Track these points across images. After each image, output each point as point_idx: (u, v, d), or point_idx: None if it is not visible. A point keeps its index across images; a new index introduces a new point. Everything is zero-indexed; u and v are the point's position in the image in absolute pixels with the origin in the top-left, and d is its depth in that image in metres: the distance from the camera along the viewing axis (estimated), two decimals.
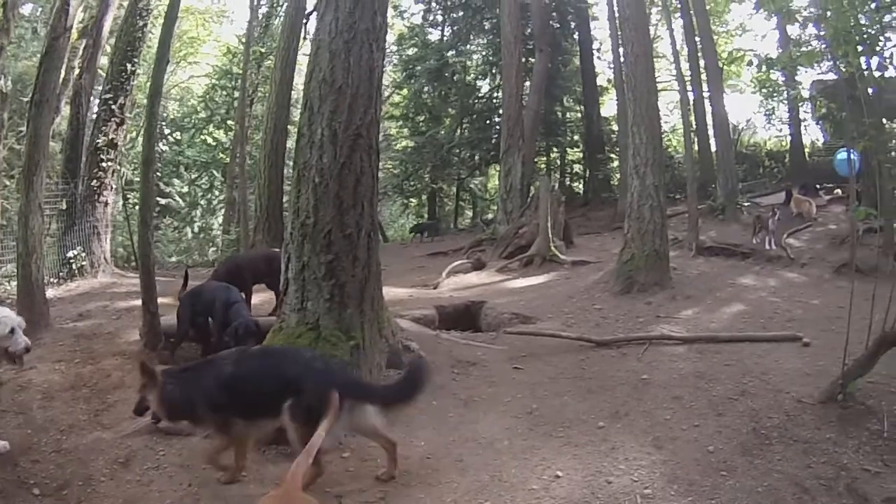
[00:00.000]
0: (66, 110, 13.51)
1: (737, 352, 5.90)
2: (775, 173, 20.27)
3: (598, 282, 8.84)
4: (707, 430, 4.49)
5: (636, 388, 5.23)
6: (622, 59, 12.26)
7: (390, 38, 23.15)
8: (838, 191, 15.44)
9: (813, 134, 22.69)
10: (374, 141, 5.73)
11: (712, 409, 4.78)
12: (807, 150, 20.94)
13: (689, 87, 14.90)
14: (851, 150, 8.48)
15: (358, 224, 5.48)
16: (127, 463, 4.36)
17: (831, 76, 10.07)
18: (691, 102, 15.81)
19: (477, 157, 22.30)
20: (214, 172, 21.61)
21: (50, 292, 8.96)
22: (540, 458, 4.23)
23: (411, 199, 24.01)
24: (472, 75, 22.97)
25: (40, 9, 18.18)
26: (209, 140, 21.65)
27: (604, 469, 4.05)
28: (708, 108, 17.30)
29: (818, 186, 16.16)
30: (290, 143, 16.81)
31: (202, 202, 21.15)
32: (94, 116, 13.06)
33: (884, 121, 8.92)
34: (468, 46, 22.77)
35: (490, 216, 20.02)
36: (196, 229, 20.61)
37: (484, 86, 23.19)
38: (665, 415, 4.75)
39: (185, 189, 20.80)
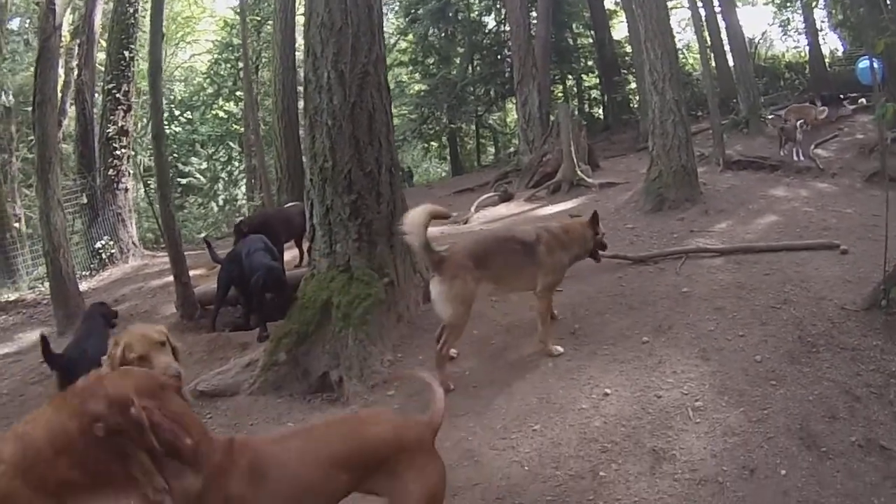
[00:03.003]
0: (71, 110, 13.56)
1: (775, 261, 5.77)
2: (796, 85, 19.63)
3: (628, 202, 8.70)
4: (752, 339, 4.40)
5: (677, 302, 5.14)
6: None
7: None
8: (863, 100, 14.91)
9: (831, 43, 22.22)
10: (383, 77, 5.68)
11: (756, 319, 4.68)
12: (826, 60, 20.22)
13: (699, 3, 14.45)
14: (872, 58, 8.22)
15: (377, 161, 5.46)
16: None
17: None
18: (703, 18, 15.35)
19: (492, 92, 21.84)
20: (231, 144, 21.63)
21: (84, 285, 9.13)
22: (587, 377, 4.19)
23: (431, 143, 23.64)
24: (475, 11, 22.45)
25: (28, 20, 18.27)
26: (220, 114, 21.62)
27: (652, 384, 4.00)
28: (721, 24, 16.82)
29: (842, 97, 15.61)
30: (301, 104, 16.97)
31: (223, 175, 21.24)
32: (101, 109, 13.15)
33: None
34: None
35: (512, 149, 19.75)
36: (221, 202, 20.76)
37: (489, 21, 22.60)
38: (709, 326, 4.66)
39: (204, 165, 20.89)
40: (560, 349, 4.62)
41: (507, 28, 18.87)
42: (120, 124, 12.69)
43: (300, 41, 14.82)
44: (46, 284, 10.85)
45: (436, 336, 4.56)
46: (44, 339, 4.91)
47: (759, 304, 4.93)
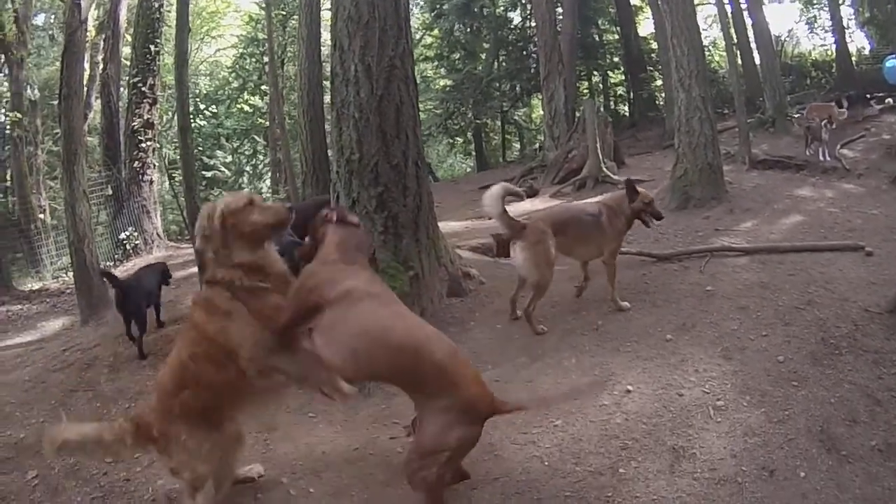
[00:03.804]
0: (96, 104, 13.77)
1: (800, 262, 5.74)
2: (823, 84, 19.38)
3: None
4: (775, 339, 4.38)
5: (701, 300, 5.13)
6: None
7: None
8: (889, 100, 14.75)
9: (858, 41, 21.86)
10: (410, 71, 5.70)
11: (779, 319, 4.66)
12: (853, 58, 19.92)
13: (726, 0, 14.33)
14: None
15: (404, 154, 5.49)
16: None
17: None
18: (730, 15, 15.21)
19: (518, 88, 21.89)
20: (256, 138, 21.82)
21: None
22: (609, 373, 4.20)
23: (457, 138, 23.72)
24: (501, 7, 22.40)
25: (53, 16, 18.53)
26: (245, 108, 21.76)
27: (674, 382, 4.00)
28: (748, 21, 16.65)
29: (868, 96, 15.38)
30: (326, 98, 17.03)
31: (248, 168, 21.43)
32: (126, 103, 13.38)
33: None
34: None
35: (537, 146, 19.70)
36: None
37: (515, 17, 22.57)
38: (732, 325, 4.65)
39: (229, 158, 21.11)
40: (628, 304, 5.14)
41: (533, 24, 18.83)
42: (145, 117, 12.92)
43: (325, 36, 14.93)
44: (70, 274, 11.08)
45: (510, 298, 5.31)
46: (107, 272, 6.57)
47: (783, 304, 4.91)
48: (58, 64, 16.05)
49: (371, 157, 5.37)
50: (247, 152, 21.95)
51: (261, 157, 21.86)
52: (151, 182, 12.95)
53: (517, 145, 24.28)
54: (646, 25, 21.92)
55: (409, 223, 5.49)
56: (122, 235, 12.31)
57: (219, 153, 20.73)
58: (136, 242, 12.28)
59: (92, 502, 3.88)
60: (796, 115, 14.31)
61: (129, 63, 13.75)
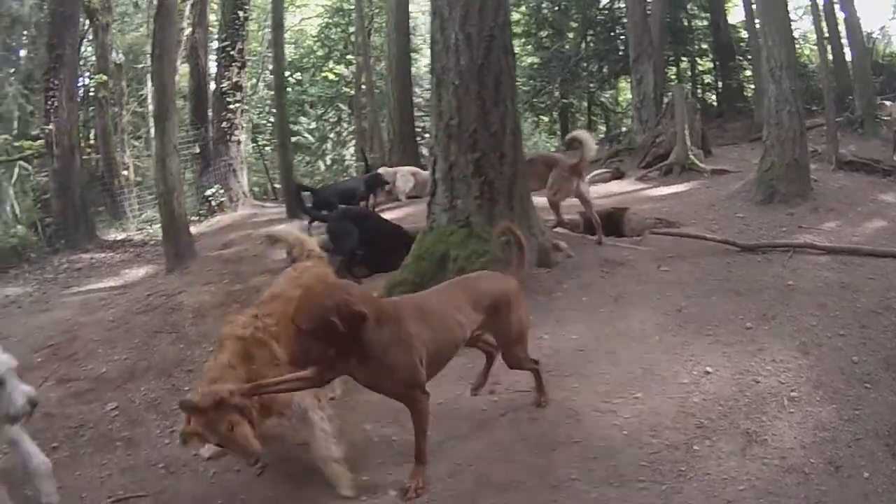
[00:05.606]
0: (181, 68, 14.29)
1: (880, 266, 5.67)
2: None
3: (739, 191, 8.55)
4: (851, 340, 4.42)
5: (782, 293, 5.16)
6: None
7: None
8: None
9: None
10: (509, 42, 5.82)
11: (857, 321, 4.67)
12: None
13: None
14: None
15: (502, 122, 5.58)
16: None
17: None
18: (821, 6, 14.66)
19: (605, 70, 21.37)
20: (341, 106, 22.00)
21: (192, 229, 9.51)
22: (690, 353, 4.31)
23: (542, 116, 23.41)
24: None
25: None
26: (331, 76, 21.97)
27: (751, 368, 4.09)
28: (840, 15, 16.01)
29: None
30: (414, 70, 17.32)
31: (331, 135, 21.66)
32: (216, 66, 13.93)
33: None
34: None
35: (624, 129, 19.26)
36: (328, 161, 21.25)
37: None
38: (810, 321, 4.68)
39: (313, 125, 21.29)
40: None
41: (622, 4, 18.49)
42: (234, 80, 13.38)
43: (412, 7, 15.15)
44: (154, 227, 11.64)
45: None
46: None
47: (861, 306, 4.91)
48: (142, 30, 17.01)
49: (470, 123, 5.50)
50: (331, 119, 22.13)
51: (345, 125, 22.04)
52: (239, 142, 13.42)
53: (602, 127, 23.74)
54: (735, 13, 21.25)
55: (505, 190, 5.59)
56: (208, 192, 12.78)
57: (303, 119, 20.91)
58: (222, 199, 12.73)
59: (171, 436, 4.12)
60: (885, 118, 13.81)
61: (215, 28, 14.34)
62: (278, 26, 7.72)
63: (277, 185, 16.74)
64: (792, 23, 10.34)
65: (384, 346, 3.02)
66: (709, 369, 4.09)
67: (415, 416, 3.21)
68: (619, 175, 11.53)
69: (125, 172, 14.47)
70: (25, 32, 14.46)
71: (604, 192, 10.12)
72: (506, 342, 3.64)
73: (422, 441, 3.25)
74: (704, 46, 21.31)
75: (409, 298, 3.60)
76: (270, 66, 20.55)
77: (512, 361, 3.69)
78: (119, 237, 12.37)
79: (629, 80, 16.80)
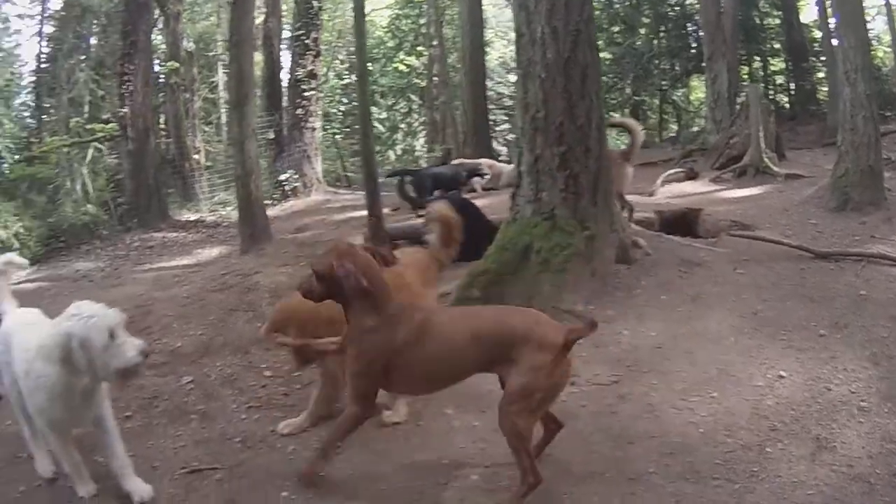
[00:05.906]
0: (256, 56, 14.75)
1: None
2: None
3: (813, 196, 8.40)
4: None
5: (854, 302, 5.12)
6: None
7: None
8: None
9: None
10: (593, 37, 5.82)
11: None
12: None
13: None
14: None
15: (588, 116, 5.56)
16: None
17: None
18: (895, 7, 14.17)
19: (677, 67, 21.13)
20: (412, 97, 22.31)
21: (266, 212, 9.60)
22: (764, 357, 4.33)
23: (613, 113, 23.00)
24: None
25: None
26: (401, 67, 22.23)
27: (823, 376, 4.11)
28: None
29: None
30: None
31: (402, 126, 22.01)
32: (291, 54, 14.35)
33: None
34: None
35: (696, 128, 18.98)
36: (399, 151, 21.63)
37: None
38: (882, 332, 4.65)
39: (384, 115, 21.62)
40: None
41: (694, 1, 18.24)
42: (309, 68, 13.75)
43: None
44: (227, 209, 12.08)
45: None
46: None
47: None
48: (212, 19, 17.57)
49: (556, 116, 5.49)
50: (402, 110, 22.41)
51: (416, 116, 22.33)
52: (313, 129, 13.78)
53: (674, 126, 23.43)
54: (807, 11, 20.63)
55: (589, 184, 5.56)
56: (283, 177, 13.18)
57: (374, 109, 21.19)
58: (296, 185, 13.13)
59: (248, 411, 4.22)
60: None
61: (290, 17, 14.78)
62: (360, 15, 7.87)
63: (350, 174, 17.14)
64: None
65: (360, 329, 3.02)
66: (782, 373, 4.13)
67: (339, 418, 3.24)
68: (692, 175, 11.45)
69: (196, 156, 15.05)
70: (96, 21, 15.06)
71: (677, 191, 10.14)
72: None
73: (330, 441, 3.28)
74: (777, 46, 20.69)
75: (431, 309, 3.47)
76: (340, 56, 21.03)
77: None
78: (191, 218, 12.84)
79: (702, 78, 16.53)
